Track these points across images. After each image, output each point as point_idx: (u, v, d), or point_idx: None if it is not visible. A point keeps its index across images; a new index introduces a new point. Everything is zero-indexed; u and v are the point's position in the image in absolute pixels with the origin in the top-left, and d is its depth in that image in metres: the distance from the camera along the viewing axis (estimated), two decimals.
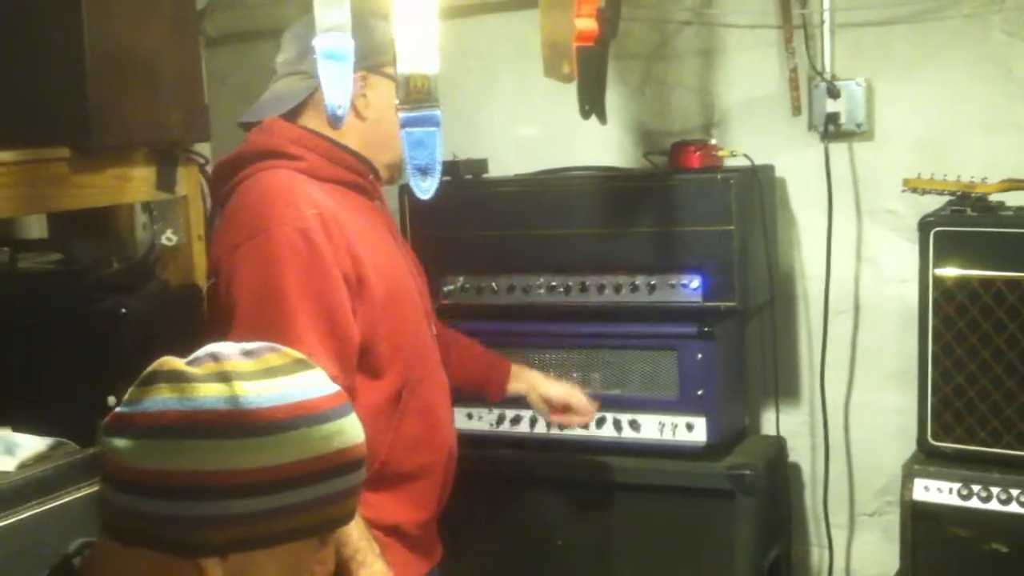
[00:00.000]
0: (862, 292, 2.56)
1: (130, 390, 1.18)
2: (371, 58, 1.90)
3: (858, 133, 2.49)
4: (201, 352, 1.19)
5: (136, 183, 2.34)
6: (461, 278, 2.58)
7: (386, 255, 1.95)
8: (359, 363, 1.86)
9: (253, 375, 1.15)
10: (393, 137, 1.85)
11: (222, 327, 1.80)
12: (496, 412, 2.56)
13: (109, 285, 2.32)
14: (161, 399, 1.14)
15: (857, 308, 2.56)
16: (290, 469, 1.13)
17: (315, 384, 1.19)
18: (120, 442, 1.14)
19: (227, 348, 1.19)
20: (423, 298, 2.05)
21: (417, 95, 2.17)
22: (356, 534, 1.77)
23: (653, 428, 2.44)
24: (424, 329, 2.02)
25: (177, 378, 1.15)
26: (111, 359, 2.12)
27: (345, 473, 1.18)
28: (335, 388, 1.21)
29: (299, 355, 1.22)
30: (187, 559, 1.13)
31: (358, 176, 1.98)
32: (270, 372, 1.16)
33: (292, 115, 1.96)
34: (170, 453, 1.11)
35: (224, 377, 1.14)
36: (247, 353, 1.18)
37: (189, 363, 1.17)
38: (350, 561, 1.77)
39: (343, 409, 1.20)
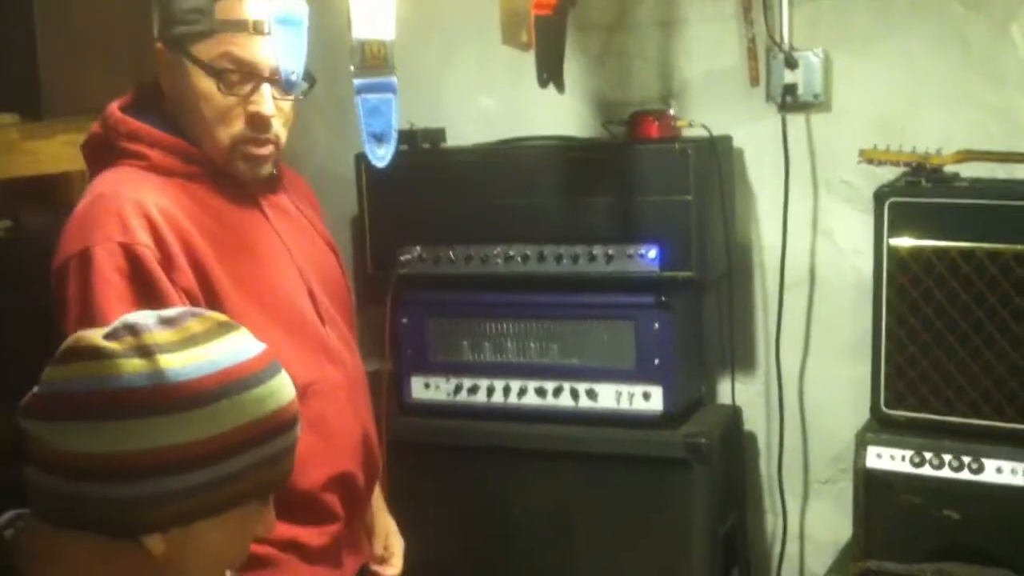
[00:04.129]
0: (818, 263, 2.57)
1: (47, 369, 1.15)
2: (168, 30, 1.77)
3: (815, 104, 2.50)
4: (118, 323, 1.16)
5: None
6: (418, 248, 2.56)
7: (255, 258, 1.81)
8: None
9: (175, 346, 1.12)
10: (202, 121, 1.76)
11: None
12: (453, 382, 2.56)
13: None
14: (80, 379, 1.11)
15: (813, 279, 2.58)
16: (225, 439, 1.11)
17: (241, 347, 1.17)
18: (43, 425, 1.12)
19: (144, 318, 1.16)
20: (318, 298, 1.89)
21: (373, 61, 2.14)
22: None
23: (610, 397, 2.45)
24: (313, 332, 1.85)
25: (95, 355, 1.12)
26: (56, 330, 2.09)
27: (281, 433, 1.17)
28: (261, 347, 1.19)
29: (221, 317, 1.19)
30: (127, 538, 1.11)
31: (204, 167, 1.80)
32: (192, 340, 1.14)
33: (143, 98, 1.83)
34: (97, 435, 1.09)
35: (145, 351, 1.11)
36: (166, 322, 1.15)
37: (107, 337, 1.14)
38: None
39: (272, 369, 1.18)
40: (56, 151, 2.25)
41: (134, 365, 1.10)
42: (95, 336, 1.15)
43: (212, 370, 1.13)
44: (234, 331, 1.19)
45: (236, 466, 1.13)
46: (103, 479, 1.09)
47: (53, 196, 2.53)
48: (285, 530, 1.75)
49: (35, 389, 1.15)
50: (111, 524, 1.11)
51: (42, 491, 1.13)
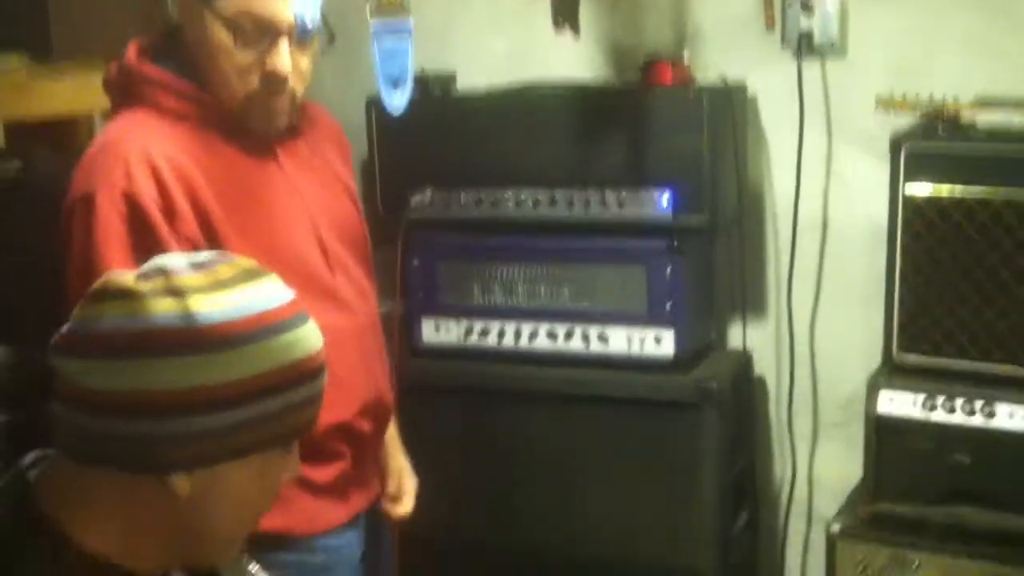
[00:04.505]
0: (831, 210, 2.57)
1: (77, 309, 1.16)
2: None
3: (831, 51, 2.48)
4: (148, 267, 1.17)
5: (97, 92, 2.28)
6: (429, 191, 2.55)
7: (264, 207, 1.81)
8: None
9: (205, 288, 1.13)
10: (218, 73, 1.75)
11: None
12: (464, 324, 2.57)
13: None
14: (111, 317, 1.12)
15: (825, 226, 2.58)
16: (252, 383, 1.12)
17: (270, 294, 1.17)
18: (73, 362, 1.12)
19: (175, 261, 1.17)
20: (328, 246, 1.88)
21: (389, 3, 2.13)
22: None
23: (621, 341, 2.46)
24: (320, 281, 1.85)
25: (126, 295, 1.13)
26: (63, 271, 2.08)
27: (307, 381, 1.18)
28: (290, 296, 1.20)
29: (250, 264, 1.20)
30: (152, 476, 1.12)
31: (218, 114, 1.79)
32: (222, 284, 1.15)
33: (164, 42, 1.82)
34: (126, 373, 1.10)
35: (175, 292, 1.12)
36: (196, 266, 1.16)
37: (138, 278, 1.15)
38: None
39: (300, 317, 1.19)
40: (66, 93, 2.23)
41: (165, 305, 1.12)
42: (126, 277, 1.16)
43: (242, 314, 1.14)
44: (264, 277, 1.20)
45: (261, 410, 1.14)
46: (130, 416, 1.10)
47: (62, 138, 2.51)
48: None
49: (64, 327, 1.16)
50: (137, 461, 1.12)
51: (69, 428, 1.14)
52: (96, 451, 1.13)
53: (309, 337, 1.19)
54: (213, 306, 1.12)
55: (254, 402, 1.13)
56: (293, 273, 1.78)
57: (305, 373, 1.17)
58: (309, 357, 1.18)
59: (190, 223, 1.71)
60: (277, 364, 1.14)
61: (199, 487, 1.14)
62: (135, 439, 1.10)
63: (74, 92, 2.27)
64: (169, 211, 1.69)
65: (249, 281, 1.17)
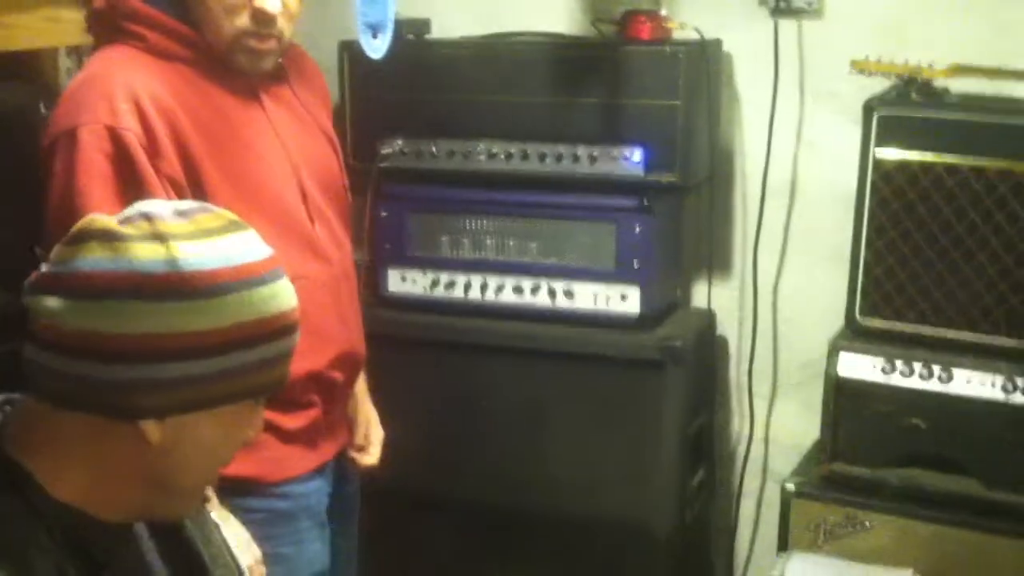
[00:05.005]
0: (800, 172, 2.58)
1: (57, 248, 1.15)
2: None
3: (808, 11, 2.48)
4: (131, 211, 1.16)
5: (64, 26, 2.24)
6: (399, 141, 2.54)
7: (247, 151, 1.81)
8: None
9: (189, 236, 1.13)
10: (207, 10, 1.74)
11: None
12: (430, 276, 2.56)
13: (39, 130, 2.23)
14: (93, 258, 1.11)
15: (794, 188, 2.59)
16: (229, 332, 1.12)
17: (251, 246, 1.18)
18: (51, 302, 1.11)
19: (159, 207, 1.16)
20: (309, 194, 1.88)
21: None
22: None
23: (587, 297, 2.47)
24: (299, 229, 1.86)
25: (109, 237, 1.12)
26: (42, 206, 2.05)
27: (283, 336, 1.18)
28: (270, 251, 1.20)
29: (232, 216, 1.20)
30: (125, 421, 1.12)
31: (204, 54, 1.78)
32: (206, 233, 1.14)
33: None
34: (107, 315, 1.09)
35: (160, 238, 1.12)
36: (180, 213, 1.16)
37: (120, 222, 1.14)
38: None
39: (278, 273, 1.19)
40: (34, 27, 2.18)
41: (149, 250, 1.11)
42: (109, 220, 1.15)
43: (223, 264, 1.14)
44: (244, 230, 1.20)
45: (236, 362, 1.14)
46: (107, 359, 1.10)
47: (27, 72, 2.46)
48: None
49: (42, 267, 1.15)
50: (110, 406, 1.11)
51: (42, 371, 1.13)
52: (69, 394, 1.12)
53: (286, 293, 1.20)
54: (197, 254, 1.12)
55: (230, 353, 1.13)
56: (273, 220, 1.80)
57: (280, 328, 1.18)
58: (284, 313, 1.19)
59: (173, 163, 1.70)
60: (255, 316, 1.15)
61: (169, 436, 1.14)
62: (110, 383, 1.10)
63: (41, 25, 2.22)
64: (153, 149, 1.68)
65: (231, 232, 1.17)
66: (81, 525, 1.15)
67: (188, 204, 1.21)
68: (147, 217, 1.14)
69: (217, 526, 1.39)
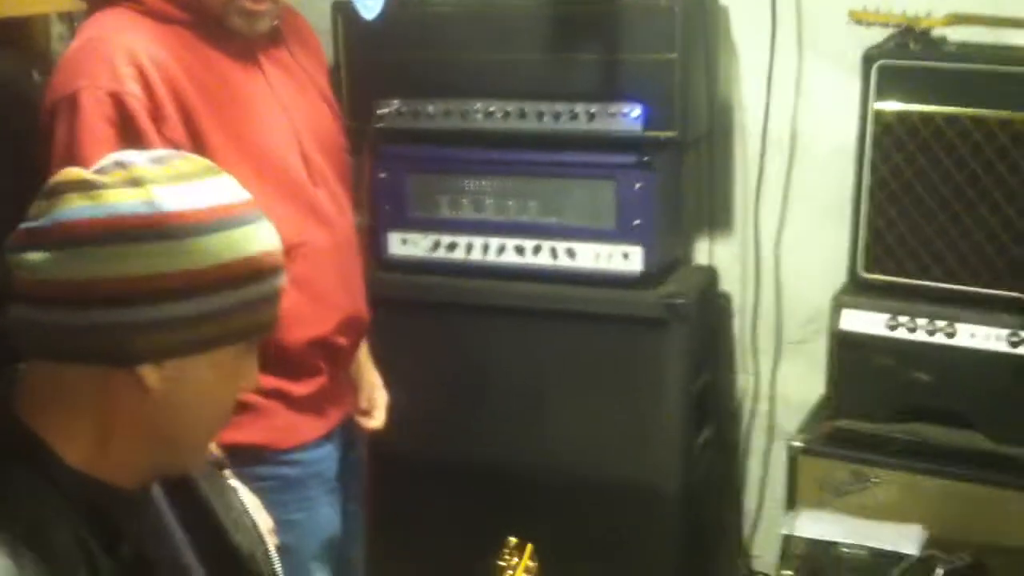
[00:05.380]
0: (800, 126, 2.56)
1: (35, 204, 1.15)
2: None
3: None
4: (105, 161, 1.16)
5: None
6: (396, 101, 2.51)
7: (248, 114, 1.78)
8: None
9: (166, 180, 1.13)
10: None
11: None
12: (431, 238, 2.55)
13: (33, 97, 2.21)
14: (74, 208, 1.11)
15: (794, 142, 2.57)
16: (215, 272, 1.13)
17: (228, 189, 1.18)
18: (35, 255, 1.11)
19: (133, 156, 1.17)
20: (310, 157, 1.87)
21: None
22: None
23: (589, 256, 2.46)
24: (302, 193, 1.84)
25: (86, 186, 1.12)
26: (33, 173, 2.04)
27: (268, 276, 1.19)
28: (247, 195, 1.20)
29: (207, 162, 1.20)
30: (122, 368, 1.12)
31: (200, 16, 1.75)
32: (182, 177, 1.15)
33: None
34: (94, 261, 1.09)
35: (137, 183, 1.12)
36: (155, 160, 1.16)
37: (96, 172, 1.14)
38: None
39: (258, 213, 1.20)
40: None
41: (128, 194, 1.11)
42: (83, 171, 1.15)
43: (202, 204, 1.14)
44: (220, 174, 1.20)
45: (224, 302, 1.14)
46: (99, 305, 1.10)
47: (18, 40, 2.43)
48: (270, 380, 1.79)
49: (21, 225, 1.14)
50: (106, 353, 1.12)
51: (33, 326, 1.13)
52: (64, 346, 1.12)
53: (268, 233, 1.20)
54: (176, 195, 1.13)
55: (217, 292, 1.14)
56: (277, 184, 1.79)
57: (265, 267, 1.18)
58: (268, 252, 1.19)
59: (176, 126, 1.69)
60: (239, 255, 1.15)
61: (168, 382, 1.14)
62: (103, 329, 1.10)
63: None
64: (156, 113, 1.67)
65: (206, 176, 1.18)
66: (98, 493, 1.16)
67: (163, 152, 1.21)
68: (122, 165, 1.14)
69: (235, 490, 1.39)
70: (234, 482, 1.47)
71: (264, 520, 1.68)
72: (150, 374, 1.13)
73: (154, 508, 1.25)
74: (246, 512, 1.39)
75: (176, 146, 1.67)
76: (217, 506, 1.33)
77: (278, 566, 1.39)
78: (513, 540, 1.40)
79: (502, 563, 1.37)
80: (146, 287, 1.10)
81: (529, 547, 1.40)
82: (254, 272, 1.16)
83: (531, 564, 1.39)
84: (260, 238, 1.18)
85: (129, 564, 1.14)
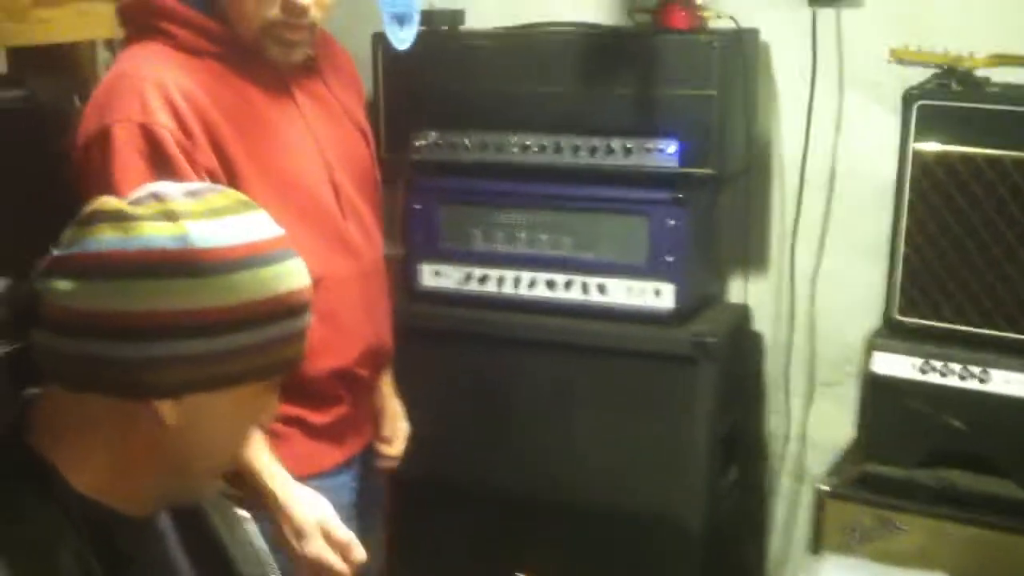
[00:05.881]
0: (839, 164, 2.53)
1: (67, 231, 1.15)
2: None
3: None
4: (141, 192, 1.16)
5: (99, 19, 2.26)
6: (433, 133, 2.52)
7: (278, 144, 1.80)
8: None
9: (200, 215, 1.13)
10: (239, 1, 1.73)
11: None
12: (463, 271, 2.55)
13: (73, 124, 2.25)
14: (104, 238, 1.11)
15: (832, 180, 2.54)
16: (242, 310, 1.12)
17: (261, 225, 1.17)
18: (63, 284, 1.11)
19: (169, 188, 1.16)
20: (341, 188, 1.88)
21: None
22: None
23: (620, 292, 2.44)
24: (330, 224, 1.86)
25: (119, 217, 1.12)
26: (72, 202, 2.07)
27: (295, 315, 1.18)
28: (280, 231, 1.19)
29: (242, 196, 1.20)
30: (140, 401, 1.12)
31: (234, 48, 1.78)
32: (216, 212, 1.14)
33: None
34: (119, 293, 1.09)
35: (170, 216, 1.12)
36: (190, 193, 1.16)
37: (131, 203, 1.14)
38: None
39: (289, 252, 1.19)
40: (67, 19, 2.20)
41: (160, 228, 1.11)
42: (119, 201, 1.15)
43: (234, 241, 1.13)
44: (254, 210, 1.20)
45: (251, 339, 1.14)
46: (122, 337, 1.10)
47: (64, 66, 2.49)
48: (290, 409, 1.81)
49: (54, 251, 1.15)
50: (124, 385, 1.11)
51: (55, 354, 1.13)
52: (84, 376, 1.12)
53: (297, 271, 1.19)
54: (208, 231, 1.12)
55: (241, 331, 1.13)
56: (304, 214, 1.81)
57: (293, 306, 1.17)
58: (296, 291, 1.18)
59: (207, 154, 1.71)
60: (265, 294, 1.14)
61: (185, 417, 1.14)
62: (125, 362, 1.10)
63: (77, 19, 2.25)
64: (188, 143, 1.69)
65: (241, 211, 1.17)
66: (105, 519, 1.15)
67: (198, 185, 1.21)
68: (157, 197, 1.14)
69: (245, 521, 1.39)
70: (243, 512, 1.47)
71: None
72: (168, 409, 1.13)
73: (160, 536, 1.24)
74: (255, 542, 1.39)
75: (208, 174, 1.70)
76: (226, 537, 1.32)
77: None
78: None
79: None
80: (171, 323, 1.09)
81: None
82: (282, 310, 1.16)
83: None
84: (290, 276, 1.17)
85: None
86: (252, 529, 1.40)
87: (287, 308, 1.16)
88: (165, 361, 1.10)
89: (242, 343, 1.13)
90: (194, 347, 1.11)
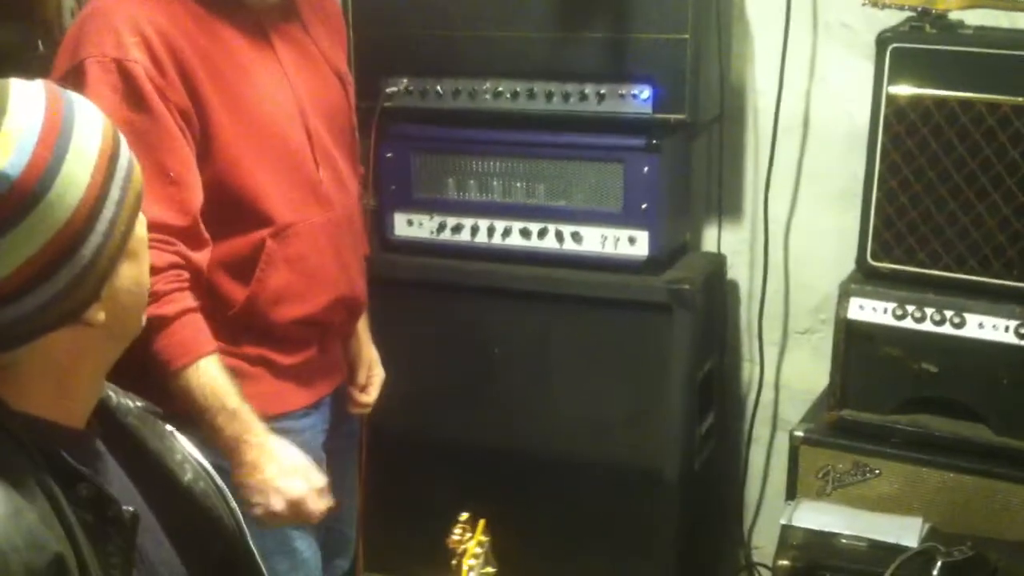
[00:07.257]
0: (812, 110, 2.51)
1: None
2: None
3: None
4: None
5: None
6: (404, 80, 2.49)
7: (252, 89, 1.77)
8: (210, 209, 1.72)
9: None
10: None
11: None
12: (437, 220, 2.53)
13: (36, 69, 2.21)
14: None
15: (806, 126, 2.53)
16: (85, 203, 1.10)
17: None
18: None
19: None
20: (315, 135, 1.86)
21: None
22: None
23: (595, 240, 2.43)
24: (302, 171, 1.84)
25: None
26: None
27: (117, 157, 1.16)
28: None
29: None
30: (74, 324, 1.14)
31: None
32: None
33: None
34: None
35: None
36: None
37: None
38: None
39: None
40: None
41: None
42: None
43: (28, 156, 1.08)
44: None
45: (114, 202, 1.13)
46: (48, 276, 1.09)
47: (28, 11, 2.44)
48: (256, 349, 1.84)
49: None
50: (63, 317, 1.12)
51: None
52: (25, 332, 1.11)
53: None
54: (12, 160, 1.07)
55: (103, 203, 1.12)
56: (277, 161, 1.80)
57: (112, 156, 1.15)
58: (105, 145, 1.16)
59: (180, 94, 1.69)
60: (89, 159, 1.12)
61: (108, 303, 1.15)
62: (60, 295, 1.10)
63: None
64: (160, 80, 1.67)
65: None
66: (51, 437, 1.14)
67: None
68: None
69: (173, 433, 1.37)
70: (169, 426, 1.45)
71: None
72: (95, 314, 1.14)
73: (102, 455, 1.24)
74: (189, 451, 1.37)
75: (180, 113, 1.69)
76: (159, 449, 1.32)
77: (234, 504, 1.37)
78: (464, 515, 1.37)
79: (456, 538, 1.35)
80: (78, 228, 1.09)
81: (482, 522, 1.37)
82: (106, 161, 1.14)
83: (483, 539, 1.36)
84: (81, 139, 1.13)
85: (91, 499, 1.13)
86: (183, 439, 1.39)
87: (111, 156, 1.14)
88: (88, 267, 1.10)
89: (112, 211, 1.12)
90: (89, 247, 1.10)
